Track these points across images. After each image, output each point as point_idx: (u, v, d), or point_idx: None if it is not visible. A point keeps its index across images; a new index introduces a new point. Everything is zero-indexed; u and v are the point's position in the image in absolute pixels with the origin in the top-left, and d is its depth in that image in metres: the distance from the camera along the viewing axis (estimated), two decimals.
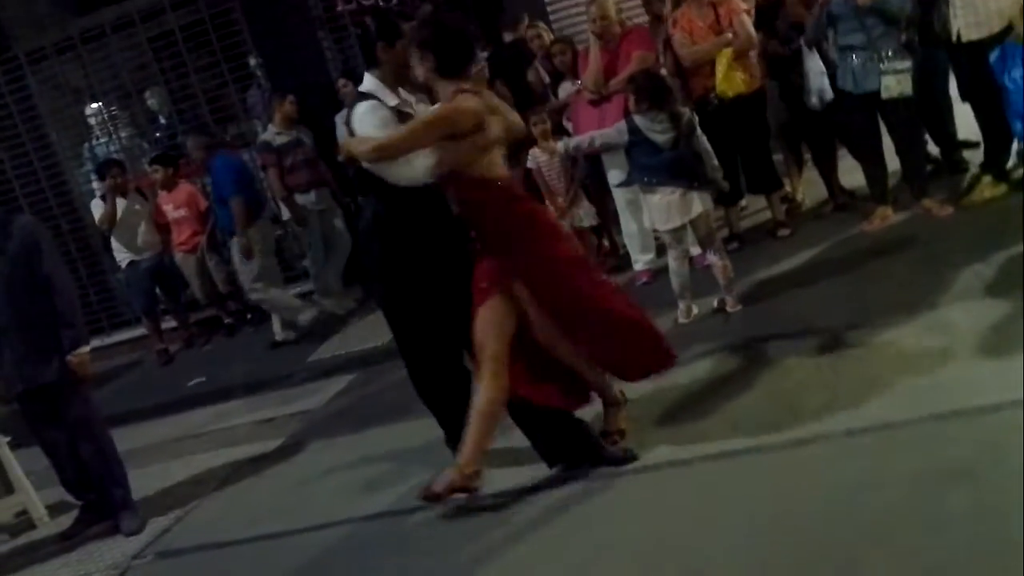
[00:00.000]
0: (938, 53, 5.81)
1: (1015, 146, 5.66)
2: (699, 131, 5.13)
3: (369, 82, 3.91)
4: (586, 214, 6.55)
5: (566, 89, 6.67)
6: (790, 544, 2.90)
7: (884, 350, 4.07)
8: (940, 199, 5.76)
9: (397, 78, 3.87)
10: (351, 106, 3.92)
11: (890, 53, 5.43)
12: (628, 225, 6.33)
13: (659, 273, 6.05)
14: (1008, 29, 5.26)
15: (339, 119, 7.31)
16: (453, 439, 4.05)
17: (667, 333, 5.06)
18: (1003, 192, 5.51)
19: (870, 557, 2.71)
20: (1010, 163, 5.71)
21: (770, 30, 6.26)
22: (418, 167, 3.67)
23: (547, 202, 6.44)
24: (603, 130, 5.62)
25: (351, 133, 3.84)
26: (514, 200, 3.78)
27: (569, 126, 6.61)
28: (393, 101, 3.84)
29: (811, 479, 3.26)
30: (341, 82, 7.38)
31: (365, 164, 3.77)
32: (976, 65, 5.48)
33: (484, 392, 3.67)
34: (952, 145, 6.32)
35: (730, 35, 6.00)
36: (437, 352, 4.01)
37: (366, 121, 3.77)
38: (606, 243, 7.13)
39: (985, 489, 2.83)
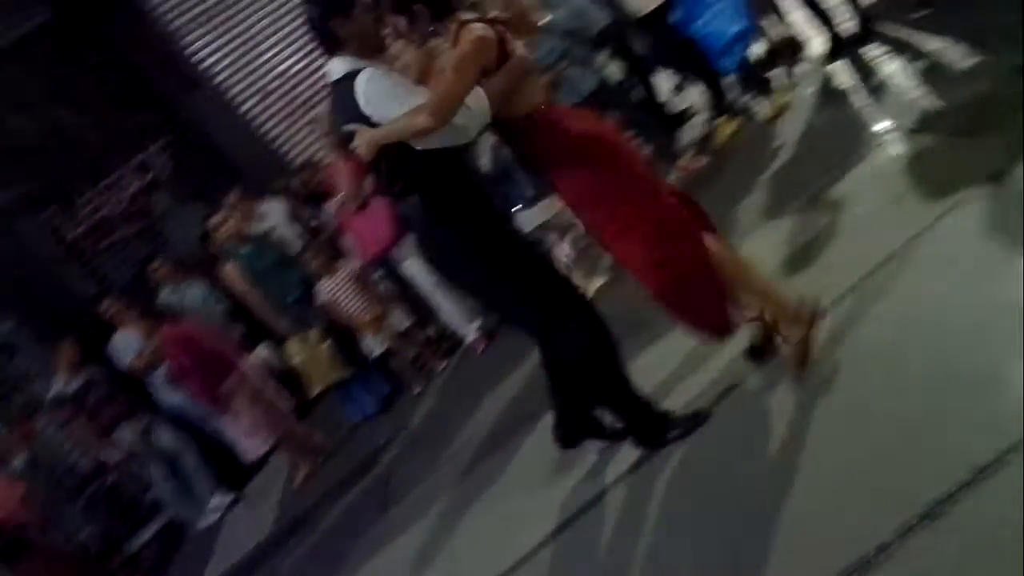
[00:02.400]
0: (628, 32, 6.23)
1: (728, 81, 6.25)
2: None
3: (342, 64, 3.29)
4: (399, 319, 6.55)
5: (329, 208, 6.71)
6: (801, 464, 2.98)
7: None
8: (692, 155, 6.23)
9: (370, 49, 3.31)
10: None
11: (585, 55, 5.87)
12: (443, 304, 6.26)
13: (493, 336, 6.18)
14: None
15: (117, 343, 7.05)
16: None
17: None
18: (740, 123, 6.09)
19: (852, 457, 2.83)
20: (731, 97, 6.27)
21: None
22: (478, 109, 3.17)
23: (358, 329, 6.41)
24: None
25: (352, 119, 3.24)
26: (573, 119, 3.40)
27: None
28: (383, 69, 3.29)
29: (753, 418, 3.36)
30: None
31: (417, 144, 3.16)
32: (661, 32, 6.03)
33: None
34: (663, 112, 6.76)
35: None
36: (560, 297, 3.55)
37: (378, 93, 3.18)
38: (431, 333, 6.80)
39: (907, 349, 3.07)
